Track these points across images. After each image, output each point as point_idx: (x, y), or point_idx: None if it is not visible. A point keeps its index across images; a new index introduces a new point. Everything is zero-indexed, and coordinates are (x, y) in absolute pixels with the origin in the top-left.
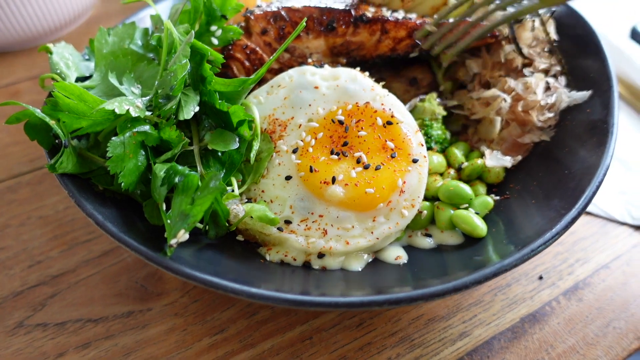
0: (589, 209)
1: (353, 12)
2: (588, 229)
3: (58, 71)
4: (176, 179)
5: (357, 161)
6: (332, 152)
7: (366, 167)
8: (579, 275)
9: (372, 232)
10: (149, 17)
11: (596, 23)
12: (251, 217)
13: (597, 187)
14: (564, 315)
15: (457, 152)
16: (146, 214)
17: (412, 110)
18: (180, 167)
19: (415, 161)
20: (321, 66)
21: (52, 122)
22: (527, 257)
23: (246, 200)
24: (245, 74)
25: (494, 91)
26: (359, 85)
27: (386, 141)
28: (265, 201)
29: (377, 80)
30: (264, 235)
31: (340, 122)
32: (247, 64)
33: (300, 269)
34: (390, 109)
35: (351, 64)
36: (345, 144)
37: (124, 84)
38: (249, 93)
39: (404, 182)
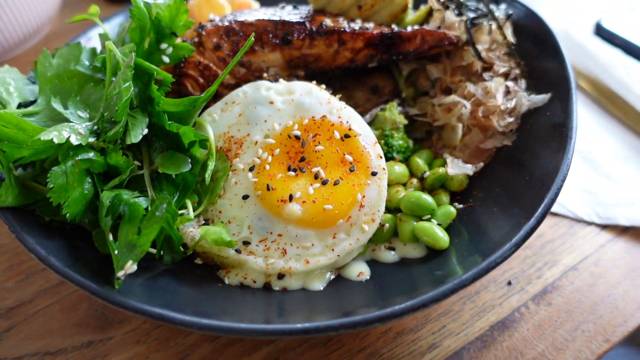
0: (556, 210)
1: (308, 25)
2: (556, 230)
3: None
4: (121, 208)
5: (315, 177)
6: (289, 169)
7: (324, 183)
8: (548, 278)
9: (332, 250)
10: (112, 27)
11: (559, 20)
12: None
13: (556, 195)
14: (533, 321)
15: (419, 161)
16: (96, 242)
17: (373, 120)
18: (125, 196)
19: (374, 174)
20: (276, 80)
21: None
22: (485, 271)
23: (203, 221)
24: (200, 91)
25: (454, 97)
26: (315, 98)
27: (344, 155)
28: (222, 222)
29: (338, 89)
30: (222, 258)
31: (297, 137)
32: (201, 80)
33: (260, 292)
34: (347, 122)
35: (310, 76)
36: (302, 159)
37: (69, 108)
38: (203, 110)
39: (364, 197)
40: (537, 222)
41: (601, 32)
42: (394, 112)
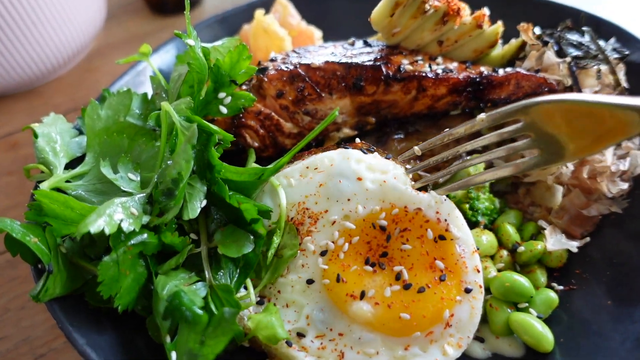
0: None
1: (384, 69)
2: None
3: (44, 159)
4: (182, 310)
5: (396, 277)
6: (367, 262)
7: (406, 287)
8: None
9: None
10: (162, 51)
11: None
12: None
13: None
14: None
15: (510, 229)
16: (150, 330)
17: (454, 177)
18: (185, 298)
19: (468, 291)
20: (370, 151)
21: (33, 241)
22: None
23: (258, 298)
24: (259, 142)
25: None
26: (411, 184)
27: (435, 260)
28: (279, 305)
29: (411, 134)
30: (270, 348)
31: (382, 228)
32: (261, 131)
33: None
34: (445, 220)
35: (382, 122)
36: (384, 254)
37: (119, 171)
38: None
39: (452, 315)
40: None
41: None
42: (479, 169)
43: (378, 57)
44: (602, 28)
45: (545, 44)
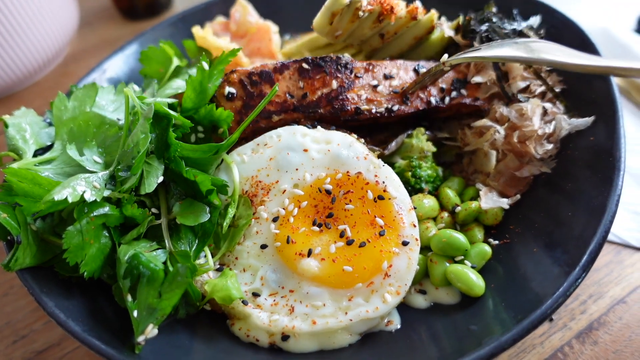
0: None
1: (341, 116)
2: (601, 258)
3: (14, 146)
4: (140, 269)
5: (340, 235)
6: (314, 223)
7: (349, 243)
8: (593, 313)
9: (345, 313)
10: (126, 56)
11: (596, 18)
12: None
13: (603, 239)
14: None
15: (450, 193)
16: (116, 297)
17: (399, 148)
18: (143, 257)
19: (405, 243)
20: (314, 127)
21: (2, 217)
22: (526, 332)
23: (218, 265)
24: None
25: (485, 121)
26: (353, 152)
27: (375, 217)
28: (236, 270)
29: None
30: (229, 308)
31: (328, 192)
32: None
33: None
34: (383, 182)
35: None
36: (330, 215)
37: (85, 154)
38: (232, 149)
39: (390, 266)
40: (584, 271)
41: None
42: (421, 139)
43: (335, 105)
44: (535, 9)
45: (474, 33)
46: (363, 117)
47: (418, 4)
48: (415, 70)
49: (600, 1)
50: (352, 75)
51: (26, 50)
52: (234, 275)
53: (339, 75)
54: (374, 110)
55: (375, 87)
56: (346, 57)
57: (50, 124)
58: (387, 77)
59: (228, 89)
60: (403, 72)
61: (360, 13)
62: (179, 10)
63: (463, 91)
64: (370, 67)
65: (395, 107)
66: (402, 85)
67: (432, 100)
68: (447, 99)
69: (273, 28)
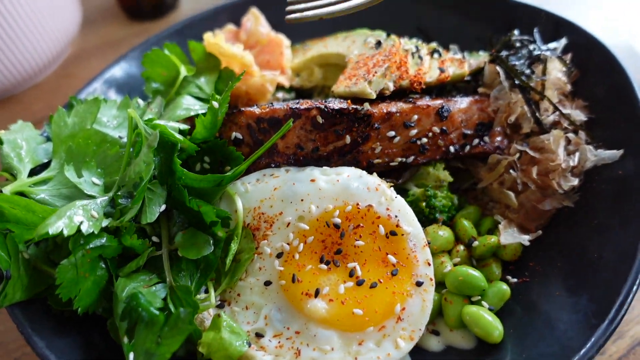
0: None
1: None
2: None
3: (8, 164)
4: (139, 310)
5: (349, 274)
6: (321, 260)
7: (359, 283)
8: (612, 355)
9: (355, 358)
10: (129, 64)
11: (617, 33)
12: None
13: (634, 286)
14: None
15: (466, 224)
16: (111, 332)
17: (414, 175)
18: (142, 299)
19: (419, 284)
20: None
21: None
22: None
23: (219, 301)
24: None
25: (496, 156)
26: (363, 183)
27: (387, 255)
28: (238, 308)
29: None
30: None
31: (336, 226)
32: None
33: None
34: (396, 216)
35: None
36: (338, 251)
37: (84, 175)
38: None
39: (403, 309)
40: (612, 325)
41: None
42: (438, 168)
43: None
44: (561, 28)
45: (499, 59)
46: (375, 170)
47: (450, 72)
48: (439, 114)
49: (621, 10)
50: (368, 128)
51: (26, 51)
52: (230, 325)
53: (354, 129)
54: (387, 163)
55: (391, 138)
56: (365, 107)
57: (48, 139)
58: (406, 126)
59: (235, 134)
60: (425, 118)
61: (387, 92)
62: (185, 11)
63: (486, 139)
64: (388, 117)
65: (411, 159)
66: (419, 135)
67: (452, 149)
68: (467, 147)
69: (285, 42)
